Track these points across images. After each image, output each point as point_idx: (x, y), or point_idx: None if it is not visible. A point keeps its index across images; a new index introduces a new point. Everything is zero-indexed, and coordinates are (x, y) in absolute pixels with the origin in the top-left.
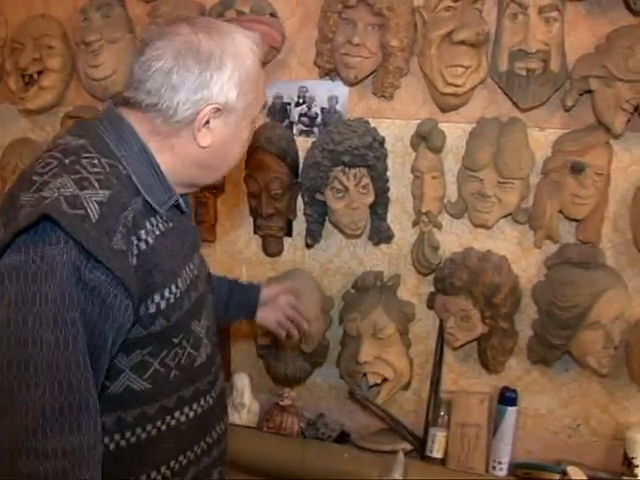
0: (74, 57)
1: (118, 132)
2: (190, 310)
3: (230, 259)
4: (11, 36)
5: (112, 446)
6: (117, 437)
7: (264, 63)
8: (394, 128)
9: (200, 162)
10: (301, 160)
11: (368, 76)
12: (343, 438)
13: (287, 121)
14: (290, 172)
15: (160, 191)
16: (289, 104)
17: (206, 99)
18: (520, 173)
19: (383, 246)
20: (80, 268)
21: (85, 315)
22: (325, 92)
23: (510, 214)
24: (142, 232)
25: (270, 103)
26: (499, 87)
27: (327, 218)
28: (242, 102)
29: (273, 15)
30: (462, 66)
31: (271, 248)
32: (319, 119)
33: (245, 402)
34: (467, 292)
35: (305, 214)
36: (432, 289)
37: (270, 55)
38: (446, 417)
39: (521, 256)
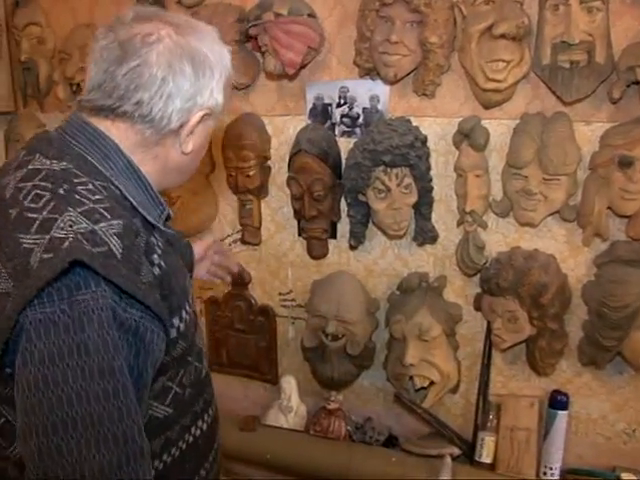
0: None
1: (100, 149)
2: (195, 324)
3: (275, 262)
4: (59, 47)
5: None
6: None
7: (304, 64)
8: (436, 126)
9: (180, 168)
10: (343, 161)
11: (408, 74)
12: (391, 442)
13: (329, 122)
14: (332, 173)
15: (153, 206)
16: (330, 105)
17: (199, 105)
18: (566, 169)
19: (428, 247)
20: (116, 309)
21: (128, 359)
22: (366, 92)
23: (557, 212)
24: (154, 256)
25: (311, 105)
26: (542, 81)
27: (370, 219)
28: (224, 103)
29: (311, 16)
30: (503, 61)
31: (315, 250)
32: (361, 119)
33: (292, 405)
34: (514, 293)
35: (348, 215)
36: (478, 290)
37: (309, 56)
38: (495, 421)
39: (569, 255)
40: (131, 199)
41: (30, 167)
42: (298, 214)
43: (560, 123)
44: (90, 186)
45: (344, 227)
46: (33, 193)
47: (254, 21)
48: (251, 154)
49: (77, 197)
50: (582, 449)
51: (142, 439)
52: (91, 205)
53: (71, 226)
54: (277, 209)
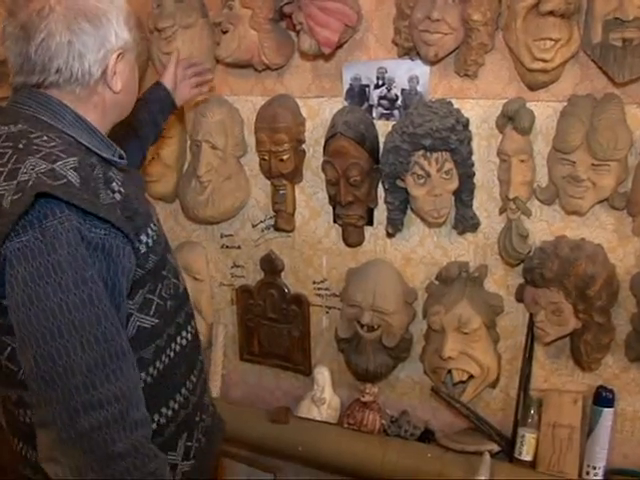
0: (149, 45)
1: (49, 108)
2: (165, 243)
3: (309, 249)
4: None
5: (141, 384)
6: (143, 375)
7: (341, 44)
8: (478, 109)
9: (118, 104)
10: (381, 145)
11: (450, 54)
12: (427, 437)
13: (366, 104)
14: (369, 158)
15: (105, 147)
16: (368, 86)
17: (110, 49)
18: (616, 154)
19: (468, 235)
20: (81, 230)
21: (96, 272)
22: (405, 72)
23: (606, 199)
24: (113, 184)
25: (348, 86)
26: (592, 61)
27: (409, 206)
28: (131, 36)
29: None
30: (551, 39)
31: (351, 238)
32: (399, 101)
33: (325, 397)
34: (559, 284)
35: (386, 202)
36: (521, 280)
37: (346, 35)
38: (536, 417)
39: (618, 245)
40: (85, 143)
41: None
42: (333, 200)
43: (611, 105)
44: (45, 138)
45: (381, 214)
46: None
47: None
48: (285, 137)
49: (34, 147)
50: (628, 448)
51: (121, 339)
52: (47, 150)
53: (32, 168)
54: (312, 194)
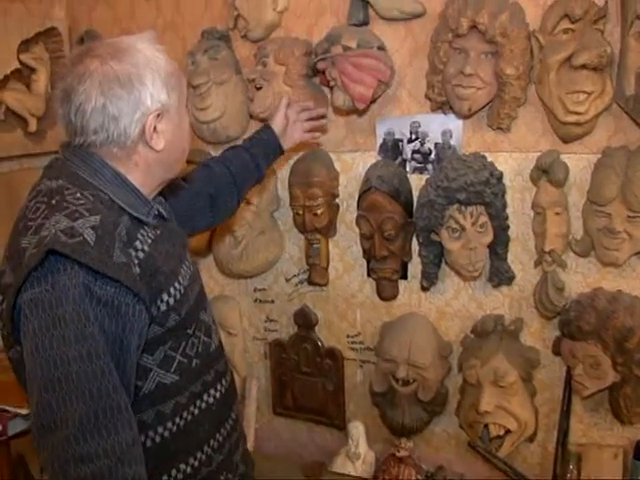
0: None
1: (90, 165)
2: (196, 302)
3: (343, 303)
4: None
5: (157, 438)
6: (160, 429)
7: (374, 99)
8: (512, 162)
9: (163, 162)
10: (415, 199)
11: (483, 108)
12: None
13: (400, 158)
14: (404, 212)
15: (141, 205)
16: (401, 140)
17: (145, 112)
18: None
19: (503, 288)
20: (90, 287)
21: (104, 328)
22: (438, 126)
23: None
24: (137, 243)
25: (382, 140)
26: (626, 113)
27: (443, 259)
28: (173, 96)
29: (381, 48)
30: (584, 92)
31: (385, 291)
32: (433, 155)
33: (360, 452)
34: (596, 337)
35: (420, 255)
36: (557, 333)
37: (380, 90)
38: (575, 472)
39: None
40: (118, 202)
41: (37, 189)
42: (368, 254)
43: None
44: (78, 194)
45: (415, 267)
46: (34, 207)
47: (322, 55)
48: (319, 192)
49: (64, 204)
50: None
51: (118, 396)
52: (74, 208)
53: (54, 225)
54: (346, 248)
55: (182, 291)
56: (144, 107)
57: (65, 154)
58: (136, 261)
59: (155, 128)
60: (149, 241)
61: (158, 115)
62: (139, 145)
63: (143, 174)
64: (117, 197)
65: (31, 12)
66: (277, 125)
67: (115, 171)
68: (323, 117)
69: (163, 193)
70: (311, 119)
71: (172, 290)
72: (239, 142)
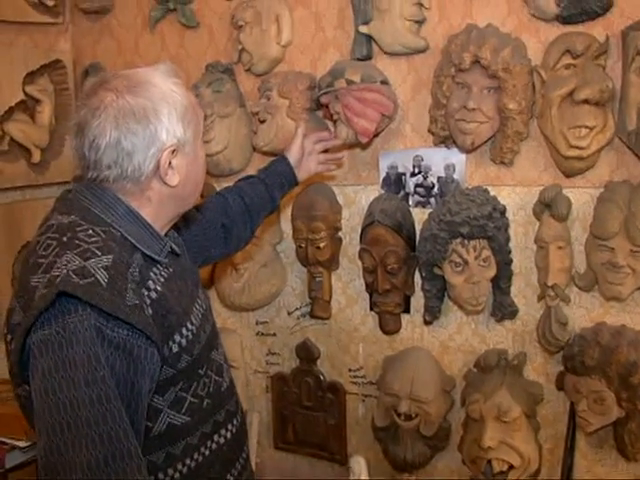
0: None
1: (102, 200)
2: (207, 341)
3: (346, 336)
4: None
5: None
6: (170, 471)
7: (377, 132)
8: (515, 196)
9: (177, 197)
10: (417, 233)
11: (485, 142)
12: None
13: (402, 192)
14: (406, 246)
15: (154, 242)
16: (404, 174)
17: (160, 148)
18: None
19: (507, 322)
20: (102, 329)
21: (115, 371)
22: (441, 160)
23: None
24: (150, 282)
25: (385, 174)
26: (628, 147)
27: (446, 293)
28: (189, 131)
29: (384, 83)
30: (586, 127)
31: (388, 325)
32: (435, 189)
33: None
34: (600, 372)
35: (423, 289)
36: (561, 368)
37: (383, 124)
38: None
39: None
40: (131, 239)
41: (48, 223)
42: (370, 287)
43: None
44: (90, 231)
45: (418, 301)
46: (45, 244)
47: (326, 89)
48: (322, 225)
49: (76, 242)
50: None
51: (128, 441)
52: (86, 246)
53: (66, 265)
54: (348, 282)
55: (194, 331)
56: (159, 142)
57: (77, 188)
58: (148, 301)
59: (170, 163)
60: (162, 280)
61: (173, 151)
62: (153, 181)
63: (156, 209)
64: (130, 234)
65: (36, 44)
66: (293, 155)
67: (128, 207)
68: (340, 149)
69: (177, 223)
70: (326, 150)
71: (184, 331)
72: (242, 175)
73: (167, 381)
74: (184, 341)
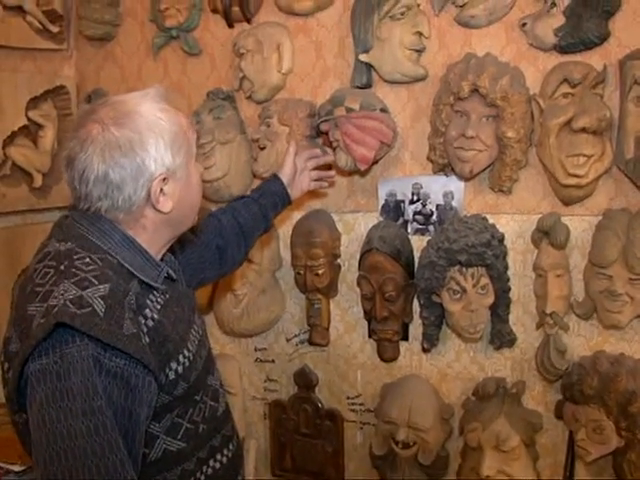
0: None
1: (98, 228)
2: (204, 367)
3: (344, 364)
4: None
5: None
6: None
7: (376, 160)
8: (513, 224)
9: (171, 222)
10: (416, 260)
11: (484, 170)
12: None
13: (401, 219)
14: (405, 273)
15: (150, 268)
16: (403, 202)
17: (149, 178)
18: None
19: (505, 350)
20: (100, 359)
21: (112, 400)
22: (440, 188)
23: None
24: (147, 311)
25: (383, 201)
26: (626, 176)
27: (444, 321)
28: (179, 157)
29: (384, 110)
30: (584, 155)
31: (386, 353)
32: (434, 216)
33: None
34: (599, 400)
35: (421, 317)
36: (560, 397)
37: (382, 151)
38: None
39: None
40: (127, 266)
41: (45, 250)
42: (368, 314)
43: None
44: (87, 259)
45: (416, 329)
46: (42, 272)
47: (325, 116)
48: (321, 252)
49: (73, 270)
50: None
51: (125, 471)
52: (82, 275)
53: (63, 294)
54: (347, 309)
55: (191, 358)
56: (148, 173)
57: (74, 215)
58: (145, 329)
59: (162, 190)
60: (158, 307)
61: (164, 179)
62: (146, 209)
63: (151, 236)
64: (126, 261)
65: (41, 70)
66: (285, 174)
67: (124, 234)
68: (330, 167)
69: (172, 246)
70: (318, 168)
71: (181, 358)
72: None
73: (163, 408)
74: (181, 368)
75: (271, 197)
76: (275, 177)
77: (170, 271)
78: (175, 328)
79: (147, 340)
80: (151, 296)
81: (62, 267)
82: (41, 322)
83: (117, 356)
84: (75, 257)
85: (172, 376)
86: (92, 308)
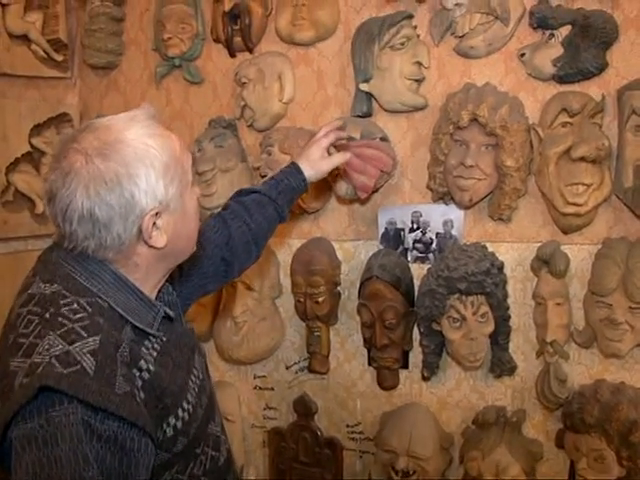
0: None
1: (86, 268)
2: (205, 415)
3: (343, 392)
4: None
5: None
6: None
7: (376, 188)
8: (513, 252)
9: (167, 256)
10: (416, 288)
11: (483, 198)
12: None
13: (401, 248)
14: (405, 301)
15: (145, 311)
16: (403, 230)
17: (140, 214)
18: None
19: (505, 378)
20: (90, 423)
21: (106, 466)
22: (439, 216)
23: None
24: (142, 362)
25: (383, 229)
26: (625, 205)
27: (444, 349)
28: (172, 187)
29: (384, 139)
30: (583, 184)
31: (386, 381)
32: (434, 245)
33: None
34: (600, 429)
35: (421, 345)
36: (560, 425)
37: (382, 180)
38: None
39: None
40: (119, 310)
41: (29, 292)
42: (368, 342)
43: None
44: (75, 305)
45: (416, 357)
46: (26, 319)
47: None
48: (321, 280)
49: (60, 320)
50: None
51: None
52: (70, 326)
53: (48, 349)
54: (346, 337)
55: (190, 411)
56: (138, 208)
57: (60, 253)
58: (140, 383)
59: (155, 224)
60: (155, 354)
61: (156, 213)
62: (137, 246)
63: (145, 273)
64: (118, 305)
65: (45, 98)
66: (311, 155)
67: (114, 273)
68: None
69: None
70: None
71: (180, 412)
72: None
73: (162, 466)
74: (180, 423)
75: (290, 194)
76: (297, 170)
77: (167, 310)
78: (173, 378)
79: (142, 396)
80: (146, 342)
81: (47, 315)
82: (24, 383)
83: (109, 418)
84: (62, 302)
85: (170, 433)
86: (80, 366)
